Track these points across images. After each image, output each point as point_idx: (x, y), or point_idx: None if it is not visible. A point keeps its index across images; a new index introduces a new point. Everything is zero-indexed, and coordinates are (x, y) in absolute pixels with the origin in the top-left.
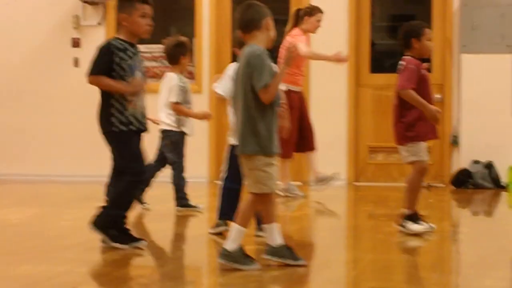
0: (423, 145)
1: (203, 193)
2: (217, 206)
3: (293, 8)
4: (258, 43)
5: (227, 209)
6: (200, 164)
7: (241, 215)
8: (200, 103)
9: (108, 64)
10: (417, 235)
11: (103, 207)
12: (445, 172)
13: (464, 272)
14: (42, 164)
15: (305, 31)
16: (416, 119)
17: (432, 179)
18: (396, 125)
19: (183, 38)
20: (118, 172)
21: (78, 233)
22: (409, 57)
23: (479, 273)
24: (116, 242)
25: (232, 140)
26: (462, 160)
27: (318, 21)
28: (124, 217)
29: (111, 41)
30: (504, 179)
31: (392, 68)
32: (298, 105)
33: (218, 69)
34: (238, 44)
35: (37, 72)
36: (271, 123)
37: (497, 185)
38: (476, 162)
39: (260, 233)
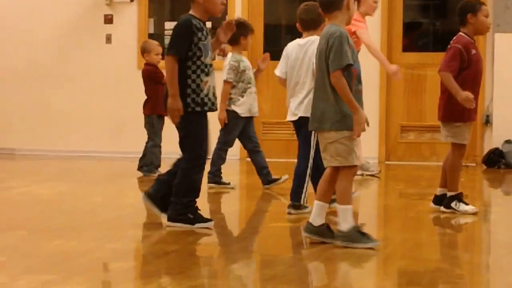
0: (465, 127)
1: (234, 171)
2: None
3: None
4: (339, 23)
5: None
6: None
7: (341, 195)
8: None
9: (189, 44)
10: (466, 214)
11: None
12: (477, 152)
13: (496, 251)
14: (73, 140)
15: (364, 15)
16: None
17: (464, 158)
18: (442, 102)
19: (243, 19)
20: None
21: (109, 209)
22: (461, 34)
23: (511, 253)
24: (196, 223)
25: (293, 117)
26: (494, 139)
27: (375, 2)
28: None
29: (191, 19)
30: None
31: (424, 47)
32: None
33: (251, 47)
34: (300, 21)
35: (69, 49)
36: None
37: None
38: (508, 141)
39: (292, 211)
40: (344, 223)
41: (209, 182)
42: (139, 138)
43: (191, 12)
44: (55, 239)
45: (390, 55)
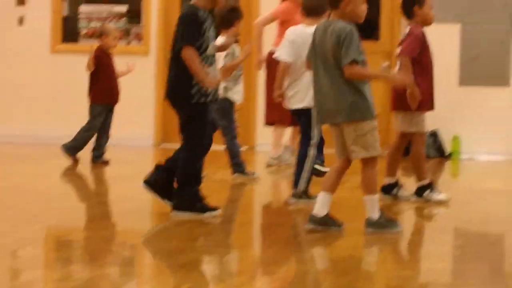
0: (423, 116)
1: (147, 157)
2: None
3: None
4: (345, 18)
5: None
6: (145, 126)
7: (367, 186)
8: (147, 65)
9: (198, 34)
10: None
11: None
12: (390, 140)
13: (407, 238)
14: None
15: (298, 2)
16: (417, 87)
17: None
18: (401, 91)
19: (236, 4)
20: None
21: (25, 193)
22: (413, 24)
23: (422, 239)
24: (205, 212)
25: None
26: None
27: None
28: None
29: (196, 11)
30: (448, 148)
31: None
32: None
33: (166, 30)
34: (302, 7)
35: None
36: (369, 85)
37: (441, 154)
38: None
39: (292, 200)
40: (373, 212)
41: (234, 173)
42: (55, 121)
43: (194, 1)
44: None
45: None
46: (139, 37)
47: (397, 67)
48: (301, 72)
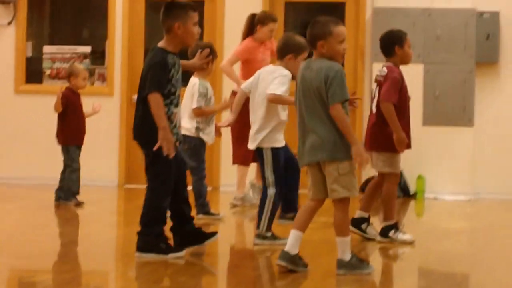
0: (399, 156)
1: (112, 196)
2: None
3: None
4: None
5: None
6: (109, 167)
7: (340, 227)
8: (111, 106)
9: (166, 81)
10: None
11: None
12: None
13: (373, 279)
14: None
15: (259, 41)
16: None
17: None
18: (376, 131)
19: (209, 43)
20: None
21: None
22: (392, 65)
23: (388, 280)
24: (169, 253)
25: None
26: (371, 168)
27: (271, 31)
28: (192, 218)
29: (166, 57)
30: (412, 188)
31: None
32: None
33: (131, 72)
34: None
35: None
36: None
37: (406, 194)
38: None
39: (257, 241)
40: (345, 253)
41: (197, 213)
42: (15, 163)
43: (163, 44)
44: None
45: None
46: (103, 78)
47: (374, 105)
48: (256, 109)
